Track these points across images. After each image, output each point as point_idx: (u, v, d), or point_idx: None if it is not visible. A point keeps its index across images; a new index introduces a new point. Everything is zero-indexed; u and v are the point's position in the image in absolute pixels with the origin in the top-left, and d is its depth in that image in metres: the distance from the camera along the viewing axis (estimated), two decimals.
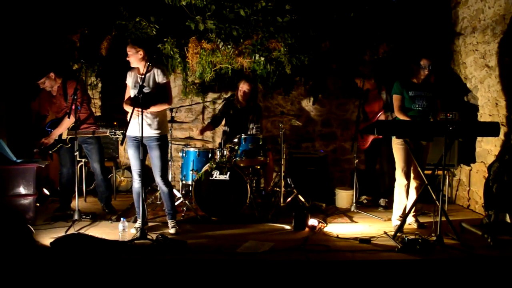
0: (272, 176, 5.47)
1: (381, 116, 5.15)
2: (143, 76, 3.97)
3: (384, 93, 5.19)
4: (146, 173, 4.14)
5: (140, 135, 3.84)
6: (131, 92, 4.09)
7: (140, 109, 3.84)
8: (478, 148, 5.19)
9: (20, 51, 5.15)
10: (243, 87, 5.21)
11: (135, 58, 4.03)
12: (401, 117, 4.29)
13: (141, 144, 3.82)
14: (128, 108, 4.01)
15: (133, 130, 4.01)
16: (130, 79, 4.12)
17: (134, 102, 3.91)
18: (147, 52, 4.05)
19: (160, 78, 4.06)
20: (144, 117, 3.93)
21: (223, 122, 5.45)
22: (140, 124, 3.80)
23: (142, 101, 3.81)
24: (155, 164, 4.11)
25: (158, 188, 5.33)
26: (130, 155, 4.13)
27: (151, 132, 4.04)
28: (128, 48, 4.02)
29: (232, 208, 4.53)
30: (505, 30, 4.66)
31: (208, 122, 5.66)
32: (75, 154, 4.38)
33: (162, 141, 4.11)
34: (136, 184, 4.08)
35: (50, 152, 4.63)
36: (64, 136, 4.59)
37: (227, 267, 3.33)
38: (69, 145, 4.57)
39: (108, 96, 6.18)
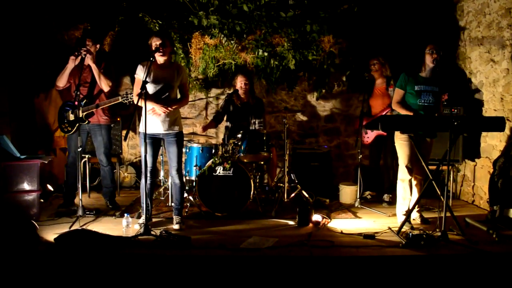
0: (275, 172, 5.46)
1: (388, 113, 5.11)
2: (160, 71, 4.00)
3: (392, 90, 5.14)
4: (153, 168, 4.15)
5: (158, 132, 4.05)
6: (148, 87, 3.90)
7: (163, 106, 3.94)
8: (483, 143, 5.16)
9: (23, 48, 5.15)
10: (241, 81, 5.21)
11: (166, 52, 3.98)
12: (398, 109, 4.28)
13: (144, 140, 3.82)
14: (141, 103, 3.90)
15: (150, 127, 3.96)
16: (142, 73, 3.96)
17: (157, 98, 3.97)
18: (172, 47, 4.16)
19: (184, 76, 4.18)
20: (163, 114, 4.01)
21: (225, 118, 5.44)
22: (145, 121, 3.78)
23: (166, 97, 3.99)
24: (172, 159, 4.16)
25: (162, 184, 5.38)
26: (147, 152, 3.95)
27: (171, 128, 4.10)
28: (160, 38, 3.93)
29: (236, 204, 4.52)
30: (510, 24, 4.62)
31: (211, 119, 5.65)
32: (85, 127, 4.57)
33: (181, 137, 4.20)
34: (146, 180, 4.04)
35: (71, 133, 4.61)
36: (80, 115, 4.57)
37: (231, 262, 3.33)
38: (87, 121, 4.57)
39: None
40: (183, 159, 5.13)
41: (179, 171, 4.20)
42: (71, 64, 4.51)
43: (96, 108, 4.55)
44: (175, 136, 4.14)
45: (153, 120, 4.02)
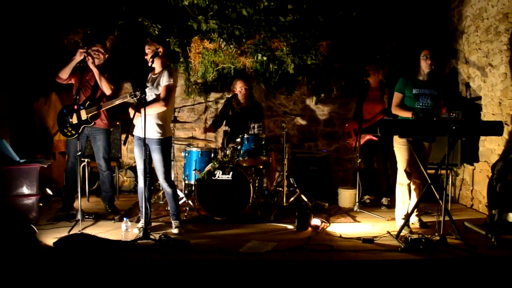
0: (274, 176, 5.47)
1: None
2: (155, 76, 4.01)
3: (386, 98, 5.17)
4: (150, 172, 4.13)
5: (141, 137, 3.90)
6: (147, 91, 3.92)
7: (137, 110, 3.85)
8: (481, 147, 5.17)
9: (23, 51, 5.16)
10: (242, 86, 5.22)
11: (155, 58, 3.94)
12: (397, 112, 4.29)
13: (143, 144, 3.83)
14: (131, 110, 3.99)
15: (137, 130, 4.02)
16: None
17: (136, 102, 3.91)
18: (166, 51, 4.06)
19: (165, 79, 3.96)
20: (146, 118, 3.89)
21: (224, 122, 5.45)
22: (143, 124, 3.78)
23: (139, 101, 3.81)
24: (157, 167, 4.10)
25: (161, 188, 5.37)
26: (135, 154, 4.12)
27: (153, 134, 4.00)
28: (148, 46, 3.96)
29: (235, 208, 4.52)
30: (508, 28, 4.65)
31: (210, 123, 5.66)
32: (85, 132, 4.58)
33: (164, 144, 4.05)
34: (141, 183, 4.08)
35: (77, 135, 4.57)
36: (84, 117, 4.57)
37: (230, 267, 3.33)
38: (92, 123, 4.59)
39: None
40: (182, 163, 5.13)
41: (167, 179, 4.12)
42: (78, 57, 4.51)
43: (100, 110, 4.58)
44: (158, 143, 4.01)
45: (138, 124, 4.00)
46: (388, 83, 5.25)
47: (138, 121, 3.97)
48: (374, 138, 5.19)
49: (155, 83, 4.01)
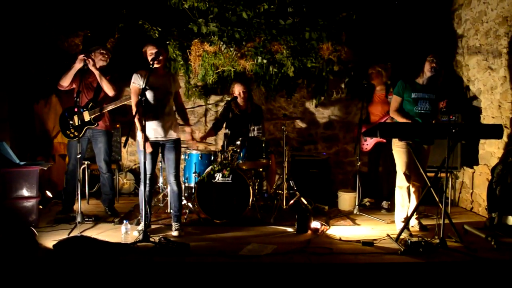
0: (274, 179, 5.46)
1: (387, 121, 5.12)
2: (154, 79, 3.98)
3: (391, 98, 5.17)
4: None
5: (158, 139, 4.05)
6: (147, 94, 3.94)
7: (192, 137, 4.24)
8: (481, 150, 5.18)
9: (23, 54, 5.17)
10: (240, 90, 5.22)
11: (162, 60, 3.99)
12: (396, 117, 4.30)
13: (143, 147, 3.83)
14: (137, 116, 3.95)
15: (149, 133, 3.97)
16: (140, 81, 3.99)
17: (159, 106, 4.00)
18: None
19: (178, 84, 4.24)
20: (162, 120, 4.02)
21: (224, 125, 5.45)
22: (143, 128, 3.81)
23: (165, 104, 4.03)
24: (170, 165, 4.15)
25: (161, 191, 5.38)
26: (148, 159, 3.99)
27: (171, 135, 4.11)
28: (155, 47, 3.95)
29: (235, 211, 4.52)
30: (507, 32, 4.66)
31: (210, 127, 5.66)
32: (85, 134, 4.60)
33: (178, 144, 4.21)
34: (145, 187, 4.05)
35: (79, 137, 4.57)
36: (87, 118, 4.59)
37: (230, 270, 3.32)
38: (95, 124, 4.61)
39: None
40: (182, 166, 5.13)
41: (177, 177, 4.19)
42: (78, 65, 4.51)
43: (103, 111, 4.60)
44: (173, 142, 4.15)
45: (152, 126, 4.02)
46: (392, 84, 5.24)
47: (152, 125, 4.00)
48: (383, 140, 5.16)
49: (162, 86, 4.02)
